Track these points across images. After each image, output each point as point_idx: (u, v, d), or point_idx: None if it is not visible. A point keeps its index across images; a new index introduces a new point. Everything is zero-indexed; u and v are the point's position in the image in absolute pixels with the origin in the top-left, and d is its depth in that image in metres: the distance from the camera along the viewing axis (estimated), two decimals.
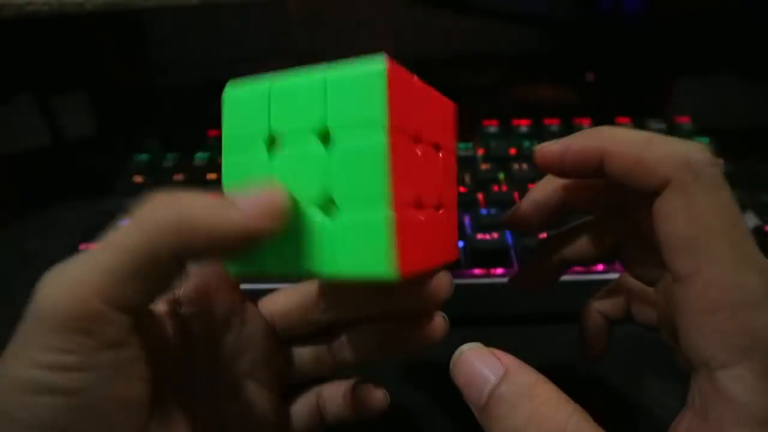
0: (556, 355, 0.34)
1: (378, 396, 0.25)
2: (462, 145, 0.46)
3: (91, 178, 0.54)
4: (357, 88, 0.20)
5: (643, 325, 0.27)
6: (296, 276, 0.21)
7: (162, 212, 0.19)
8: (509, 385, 0.19)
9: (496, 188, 0.41)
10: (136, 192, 0.43)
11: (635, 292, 0.27)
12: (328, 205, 0.20)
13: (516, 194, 0.41)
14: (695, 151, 0.19)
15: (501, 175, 0.42)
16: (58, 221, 0.48)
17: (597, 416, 0.26)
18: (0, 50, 0.54)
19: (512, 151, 0.45)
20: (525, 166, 0.43)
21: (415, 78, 0.21)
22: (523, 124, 0.48)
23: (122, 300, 0.18)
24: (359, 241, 0.19)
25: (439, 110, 0.24)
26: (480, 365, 0.20)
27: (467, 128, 0.49)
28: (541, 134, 0.47)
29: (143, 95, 0.68)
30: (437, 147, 0.24)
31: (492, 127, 0.48)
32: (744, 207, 0.40)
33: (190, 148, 0.48)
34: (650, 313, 0.27)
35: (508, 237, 0.37)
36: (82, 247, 0.37)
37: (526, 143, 0.46)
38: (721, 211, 0.19)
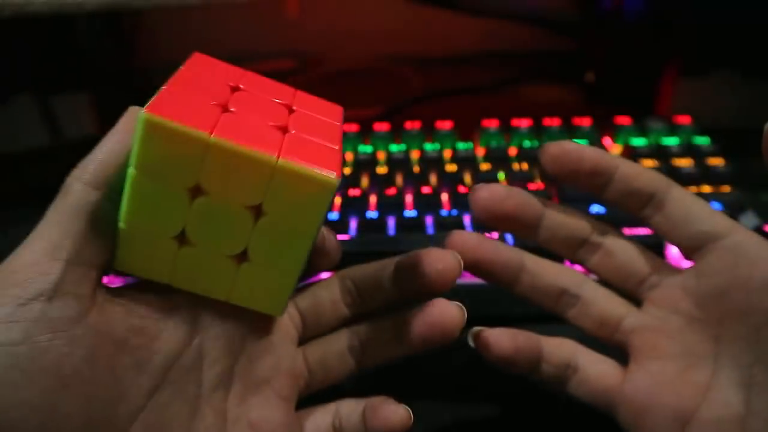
0: None
1: (400, 413, 0.24)
2: (462, 145, 0.46)
3: None
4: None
5: None
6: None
7: None
8: None
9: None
10: None
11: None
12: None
13: None
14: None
15: (501, 175, 0.42)
16: None
17: (598, 413, 0.27)
18: (0, 50, 0.54)
19: (512, 151, 0.45)
20: (525, 166, 0.43)
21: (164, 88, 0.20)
22: (523, 124, 0.48)
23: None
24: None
25: (199, 73, 0.23)
26: None
27: (467, 128, 0.49)
28: (541, 134, 0.47)
29: (143, 95, 0.68)
30: (234, 88, 0.23)
31: (492, 127, 0.48)
32: (744, 207, 0.40)
33: None
34: None
35: (508, 237, 0.37)
36: None
37: (526, 143, 0.46)
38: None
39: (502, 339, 0.26)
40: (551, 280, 0.27)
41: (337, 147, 0.21)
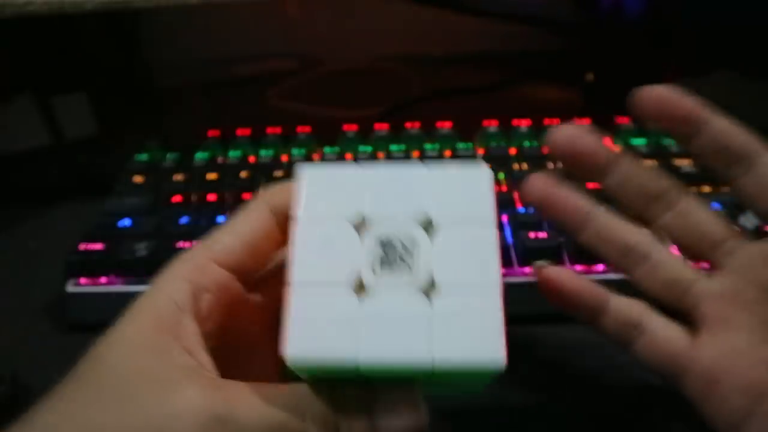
0: (556, 355, 0.34)
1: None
2: (462, 145, 0.46)
3: (91, 178, 0.54)
4: (472, 374, 0.19)
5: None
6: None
7: None
8: None
9: (496, 188, 0.41)
10: (137, 192, 0.43)
11: None
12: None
13: (516, 194, 0.41)
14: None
15: (501, 175, 0.42)
16: (58, 221, 0.48)
17: (601, 414, 0.27)
18: (0, 50, 0.54)
19: (512, 151, 0.45)
20: (525, 166, 0.43)
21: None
22: (523, 124, 0.48)
23: None
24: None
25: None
26: None
27: (467, 128, 0.49)
28: (541, 134, 0.47)
29: (143, 95, 0.68)
30: None
31: (492, 127, 0.48)
32: (744, 207, 0.40)
33: (190, 148, 0.48)
34: None
35: (508, 237, 0.37)
36: (81, 247, 0.37)
37: (526, 143, 0.46)
38: None
39: (562, 276, 0.26)
40: (620, 234, 0.26)
41: (494, 294, 0.19)
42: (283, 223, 0.22)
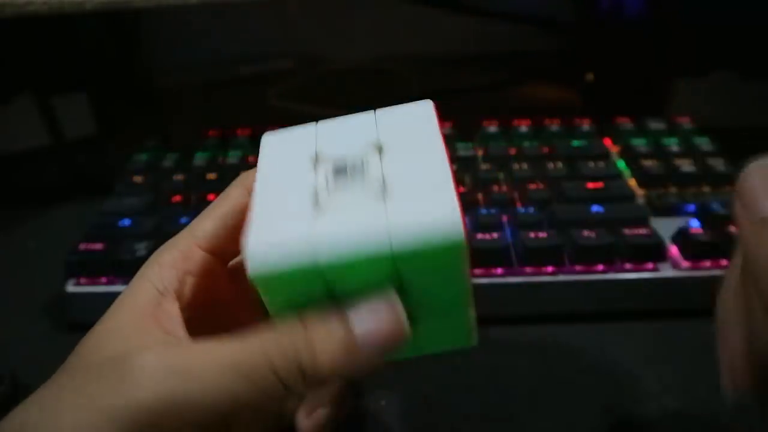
0: (556, 354, 0.34)
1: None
2: (462, 145, 0.46)
3: (91, 178, 0.54)
4: (435, 259, 0.18)
5: None
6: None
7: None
8: None
9: (496, 188, 0.41)
10: (136, 192, 0.43)
11: None
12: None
13: (516, 194, 0.41)
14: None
15: (501, 175, 0.42)
16: (58, 221, 0.48)
17: (601, 413, 0.27)
18: (0, 50, 0.54)
19: (512, 151, 0.45)
20: (525, 166, 0.43)
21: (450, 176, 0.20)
22: (523, 124, 0.48)
23: None
24: (442, 333, 0.22)
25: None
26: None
27: (467, 128, 0.49)
28: (540, 134, 0.47)
29: (143, 95, 0.68)
30: None
31: (492, 127, 0.48)
32: None
33: (190, 148, 0.48)
34: None
35: (508, 237, 0.37)
36: (82, 247, 0.37)
37: (526, 143, 0.46)
38: None
39: None
40: None
41: (444, 176, 0.19)
42: None
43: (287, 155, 0.21)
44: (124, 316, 0.21)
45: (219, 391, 0.18)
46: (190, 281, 0.22)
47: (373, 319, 0.19)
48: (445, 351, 0.22)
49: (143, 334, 0.20)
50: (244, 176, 0.24)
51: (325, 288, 0.19)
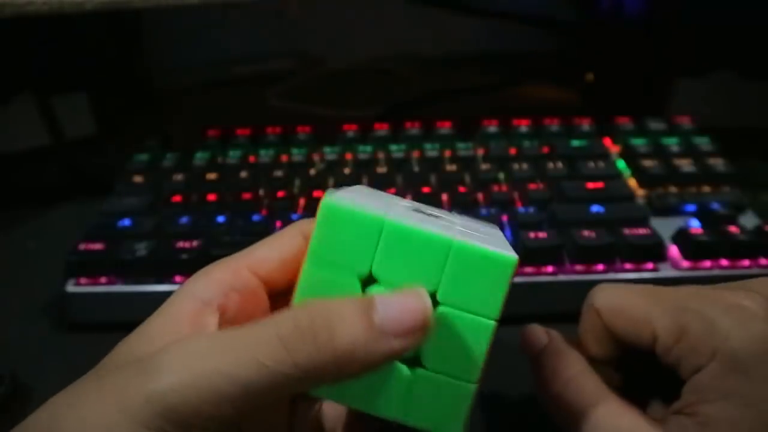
0: None
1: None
2: (462, 145, 0.46)
3: (91, 178, 0.54)
4: (483, 270, 0.20)
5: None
6: (367, 412, 0.21)
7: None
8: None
9: (496, 188, 0.41)
10: (136, 192, 0.43)
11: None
12: (413, 360, 0.21)
13: (516, 194, 0.41)
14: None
15: (501, 175, 0.42)
16: (58, 221, 0.48)
17: None
18: (0, 50, 0.54)
19: (512, 151, 0.45)
20: (525, 166, 0.43)
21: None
22: (523, 124, 0.48)
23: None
24: (434, 402, 0.20)
25: None
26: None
27: (467, 128, 0.49)
28: (540, 134, 0.47)
29: (143, 95, 0.68)
30: None
31: (492, 127, 0.48)
32: (744, 207, 0.40)
33: (190, 148, 0.48)
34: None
35: (509, 237, 0.37)
36: (81, 247, 0.37)
37: (526, 143, 0.46)
38: (629, 293, 0.25)
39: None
40: None
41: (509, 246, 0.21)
42: None
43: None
44: (163, 322, 0.21)
45: (229, 377, 0.18)
46: (234, 298, 0.22)
47: (398, 305, 0.19)
48: (426, 429, 0.21)
49: (176, 338, 0.20)
50: (302, 223, 0.24)
51: (370, 258, 0.20)
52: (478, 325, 0.20)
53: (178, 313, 0.22)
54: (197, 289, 0.22)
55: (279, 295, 0.24)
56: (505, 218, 0.39)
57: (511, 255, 0.19)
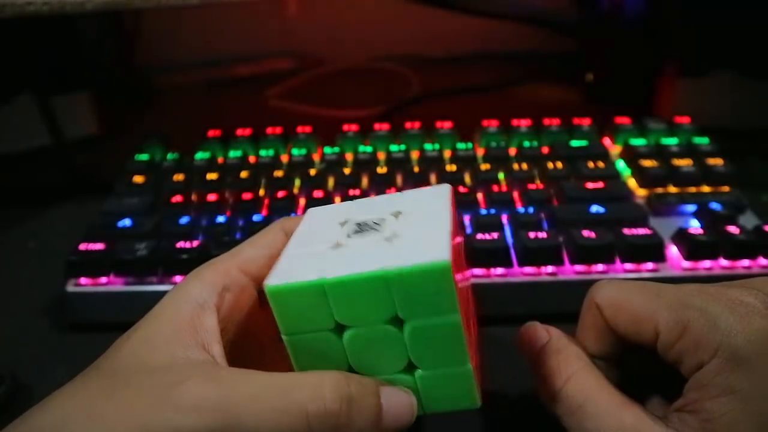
0: None
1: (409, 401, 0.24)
2: (462, 145, 0.46)
3: (91, 178, 0.54)
4: (424, 281, 0.20)
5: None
6: None
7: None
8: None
9: (496, 188, 0.41)
10: (136, 192, 0.43)
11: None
12: (409, 367, 0.22)
13: (516, 194, 0.41)
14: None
15: (501, 175, 0.42)
16: (58, 221, 0.48)
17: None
18: (0, 50, 0.54)
19: (512, 151, 0.45)
20: (525, 166, 0.43)
21: (450, 228, 0.22)
22: (523, 124, 0.48)
23: None
24: (444, 389, 0.23)
25: (460, 246, 0.25)
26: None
27: (467, 128, 0.49)
28: (540, 134, 0.47)
29: (143, 95, 0.68)
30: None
31: (492, 127, 0.48)
32: (744, 207, 0.40)
33: (190, 148, 0.48)
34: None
35: (508, 237, 0.37)
36: (82, 247, 0.37)
37: (526, 143, 0.46)
38: (631, 290, 0.24)
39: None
40: None
41: (443, 229, 0.22)
42: None
43: (323, 220, 0.25)
44: (163, 326, 0.22)
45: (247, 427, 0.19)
46: (228, 297, 0.24)
47: (395, 398, 0.22)
48: (450, 410, 0.23)
49: (182, 347, 0.21)
50: (282, 221, 0.27)
51: (330, 314, 0.21)
52: (445, 324, 0.21)
53: (176, 316, 0.22)
54: (192, 292, 0.23)
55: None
56: (505, 218, 0.39)
57: (442, 259, 0.20)
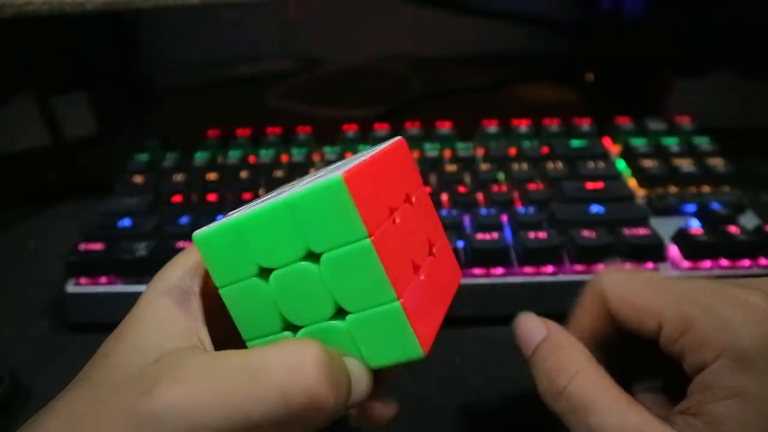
0: None
1: (387, 408, 0.23)
2: (462, 145, 0.46)
3: (91, 178, 0.54)
4: (322, 206, 0.20)
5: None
6: None
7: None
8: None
9: (496, 188, 0.41)
10: (136, 192, 0.43)
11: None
12: (338, 312, 0.21)
13: (516, 194, 0.41)
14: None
15: (501, 175, 0.42)
16: (58, 221, 0.48)
17: None
18: (0, 50, 0.54)
19: (512, 151, 0.45)
20: (525, 166, 0.43)
21: (368, 159, 0.21)
22: (523, 124, 0.48)
23: None
24: (379, 335, 0.21)
25: (395, 163, 0.23)
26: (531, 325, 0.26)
27: (467, 128, 0.49)
28: (540, 134, 0.47)
29: (143, 95, 0.68)
30: (408, 197, 0.24)
31: (492, 127, 0.48)
32: (744, 207, 0.40)
33: (190, 148, 0.48)
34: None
35: (508, 237, 0.37)
36: (81, 247, 0.37)
37: (526, 143, 0.46)
38: (640, 281, 0.24)
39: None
40: None
41: (355, 162, 0.21)
42: None
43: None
44: (149, 328, 0.21)
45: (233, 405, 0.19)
46: (205, 276, 0.23)
47: (356, 369, 0.21)
48: (396, 364, 0.21)
49: (169, 339, 0.21)
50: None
51: (249, 257, 0.21)
52: (359, 251, 0.20)
53: (162, 314, 0.22)
54: (172, 279, 0.23)
55: None
56: (505, 218, 0.39)
57: (336, 177, 0.19)
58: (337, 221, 0.20)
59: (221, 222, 0.21)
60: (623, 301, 0.24)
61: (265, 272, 0.21)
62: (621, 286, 0.24)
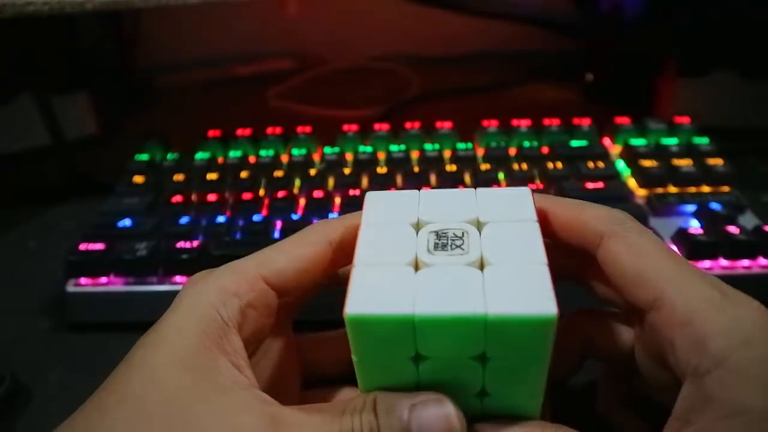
0: None
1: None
2: (462, 145, 0.46)
3: (91, 178, 0.54)
4: (523, 330, 0.19)
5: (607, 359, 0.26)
6: None
7: None
8: None
9: (495, 187, 0.41)
10: (136, 192, 0.43)
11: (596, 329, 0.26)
12: (481, 393, 0.21)
13: None
14: (616, 210, 0.23)
15: (501, 175, 0.42)
16: (58, 221, 0.48)
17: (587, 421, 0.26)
18: (0, 50, 0.54)
19: (512, 151, 0.45)
20: (525, 166, 0.43)
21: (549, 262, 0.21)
22: (523, 124, 0.48)
23: None
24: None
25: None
26: None
27: (467, 128, 0.49)
28: (540, 134, 0.47)
29: (143, 95, 0.68)
30: None
31: (492, 127, 0.48)
32: (744, 207, 0.40)
33: (190, 148, 0.48)
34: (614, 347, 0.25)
35: None
36: (82, 247, 0.37)
37: (526, 143, 0.46)
38: (654, 244, 0.21)
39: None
40: None
41: (542, 264, 0.20)
42: (335, 255, 0.23)
43: (390, 215, 0.23)
44: (190, 339, 0.19)
45: None
46: (252, 315, 0.21)
47: (425, 413, 0.20)
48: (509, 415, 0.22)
49: (215, 368, 0.19)
50: (325, 227, 0.23)
51: (412, 345, 0.19)
52: (528, 370, 0.20)
53: (202, 332, 0.19)
54: (216, 304, 0.20)
55: (287, 300, 0.23)
56: None
57: (549, 312, 0.18)
58: (530, 346, 0.19)
59: (388, 310, 0.19)
60: (619, 259, 0.21)
61: (419, 355, 0.20)
62: (633, 243, 0.22)
